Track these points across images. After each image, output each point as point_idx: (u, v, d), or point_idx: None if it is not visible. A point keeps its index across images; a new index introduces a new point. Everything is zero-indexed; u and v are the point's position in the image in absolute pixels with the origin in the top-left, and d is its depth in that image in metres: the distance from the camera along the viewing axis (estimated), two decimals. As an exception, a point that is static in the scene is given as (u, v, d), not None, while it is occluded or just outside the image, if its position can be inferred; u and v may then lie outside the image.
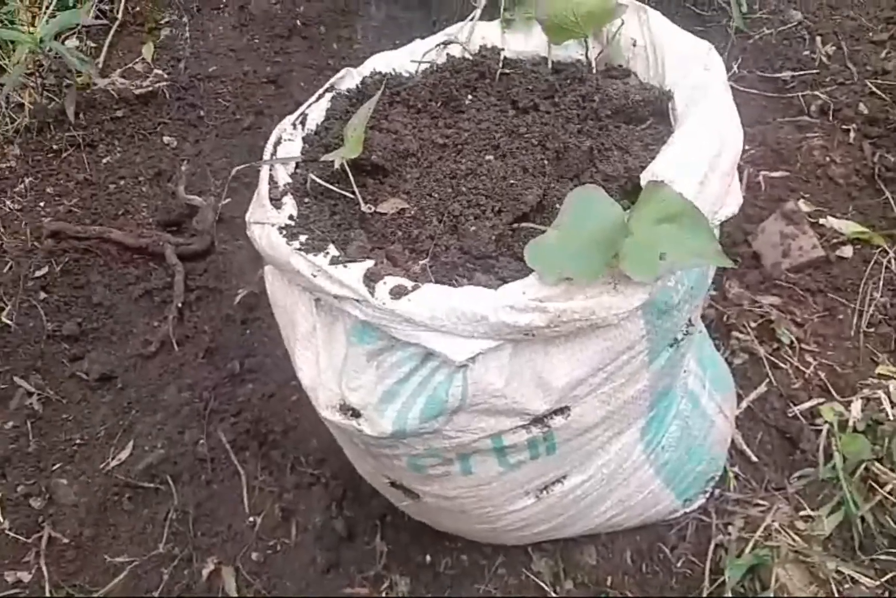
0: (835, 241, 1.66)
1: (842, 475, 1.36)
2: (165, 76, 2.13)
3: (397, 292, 0.84)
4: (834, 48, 1.95)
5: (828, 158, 1.77)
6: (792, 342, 1.55)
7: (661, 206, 0.83)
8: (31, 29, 1.97)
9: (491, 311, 0.82)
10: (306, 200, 0.99)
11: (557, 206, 0.90)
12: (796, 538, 1.31)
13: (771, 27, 2.02)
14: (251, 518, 1.51)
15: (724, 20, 2.01)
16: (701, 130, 0.92)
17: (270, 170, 1.04)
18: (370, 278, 0.86)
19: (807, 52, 1.96)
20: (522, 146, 0.99)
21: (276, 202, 0.98)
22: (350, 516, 1.47)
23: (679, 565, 1.35)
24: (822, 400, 1.48)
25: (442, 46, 1.16)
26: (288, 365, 1.00)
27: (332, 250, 0.90)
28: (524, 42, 1.14)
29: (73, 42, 2.17)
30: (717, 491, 1.40)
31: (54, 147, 2.08)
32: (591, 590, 1.34)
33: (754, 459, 1.44)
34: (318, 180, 0.98)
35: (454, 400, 0.88)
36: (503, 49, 1.13)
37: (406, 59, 1.16)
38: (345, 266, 0.88)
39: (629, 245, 0.81)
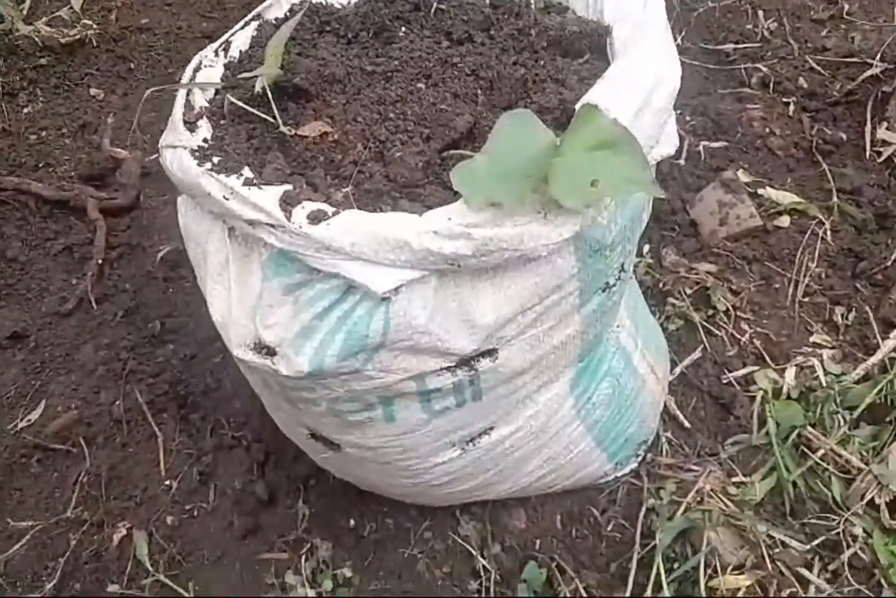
0: (772, 211, 1.65)
1: (774, 441, 1.35)
2: (94, 26, 2.02)
3: (315, 217, 0.79)
4: (776, 24, 1.95)
5: (767, 130, 1.76)
6: (727, 310, 1.54)
7: (595, 132, 0.78)
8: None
9: (414, 237, 0.77)
10: (222, 122, 0.93)
11: (489, 135, 0.86)
12: (728, 502, 1.30)
13: (715, 1, 2.00)
14: (167, 482, 1.44)
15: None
16: (637, 64, 0.89)
17: (188, 95, 0.97)
18: (287, 202, 0.80)
19: (749, 26, 1.95)
20: (455, 75, 0.94)
21: (190, 125, 0.92)
22: (272, 479, 1.41)
23: (609, 529, 1.33)
24: (756, 368, 1.48)
25: (377, -22, 1.10)
26: (211, 325, 0.91)
27: (247, 173, 0.84)
28: (462, -24, 1.09)
29: (-5, -13, 2.05)
30: (648, 456, 1.38)
31: (-30, 95, 1.97)
32: (520, 554, 1.31)
33: (687, 424, 1.42)
34: (236, 101, 0.92)
35: (375, 336, 0.83)
36: (440, -17, 1.08)
37: (338, -10, 1.10)
38: (259, 188, 0.82)
39: (559, 168, 0.76)
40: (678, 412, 1.43)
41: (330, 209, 0.80)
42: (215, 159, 0.86)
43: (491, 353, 0.91)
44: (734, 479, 1.33)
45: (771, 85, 1.84)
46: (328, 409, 0.94)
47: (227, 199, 0.83)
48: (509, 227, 0.78)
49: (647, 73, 0.88)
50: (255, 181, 0.83)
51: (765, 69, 1.86)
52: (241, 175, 0.83)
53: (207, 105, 0.96)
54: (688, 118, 1.79)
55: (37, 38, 1.99)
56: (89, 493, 1.44)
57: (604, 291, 0.97)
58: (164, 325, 1.64)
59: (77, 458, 1.49)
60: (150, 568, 1.34)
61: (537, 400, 1.06)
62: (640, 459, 1.36)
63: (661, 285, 1.57)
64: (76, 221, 1.80)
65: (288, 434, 1.17)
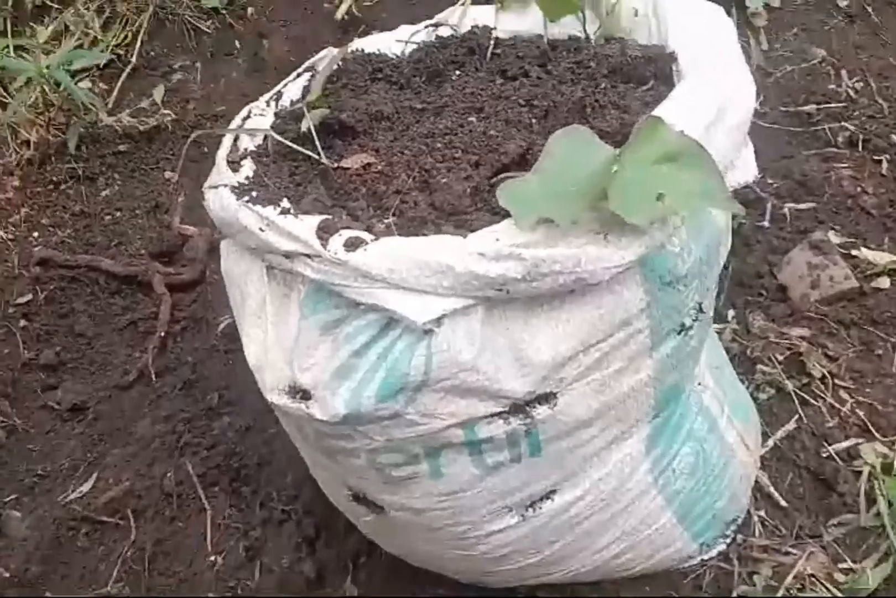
0: (869, 272, 1.52)
1: (887, 522, 1.19)
2: (173, 115, 2.11)
3: (352, 244, 0.73)
4: (861, 84, 1.87)
5: (858, 189, 1.65)
6: (824, 377, 1.39)
7: (660, 144, 0.71)
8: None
9: (458, 260, 0.70)
10: (265, 160, 0.90)
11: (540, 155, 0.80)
12: (835, 591, 1.12)
13: (793, 64, 1.94)
14: (212, 557, 1.35)
15: (745, 59, 1.95)
16: (706, 82, 0.83)
17: (235, 141, 0.95)
18: (324, 230, 0.75)
19: (832, 87, 1.87)
20: (508, 106, 0.89)
21: (233, 165, 0.90)
22: (321, 556, 1.30)
23: (696, 620, 1.16)
24: (860, 440, 1.31)
25: (432, 28, 1.09)
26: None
27: (285, 204, 0.79)
28: (518, 21, 1.06)
29: (85, 84, 2.16)
30: (739, 537, 1.22)
31: (54, 179, 2.05)
32: (593, 649, 1.15)
33: (783, 503, 1.26)
34: (280, 139, 0.89)
35: (417, 373, 0.75)
36: (495, 28, 1.05)
37: (392, 41, 1.09)
38: (296, 217, 0.77)
39: (619, 182, 0.69)
40: (772, 489, 1.27)
41: (368, 237, 0.74)
42: (254, 193, 0.82)
43: (549, 398, 0.82)
44: (841, 565, 1.16)
45: (860, 143, 1.74)
46: (368, 462, 0.85)
47: (262, 230, 0.79)
48: (564, 247, 0.71)
49: (717, 91, 0.82)
50: (291, 211, 0.78)
51: (852, 128, 1.76)
52: (279, 206, 0.79)
53: (254, 149, 0.94)
54: (770, 181, 1.70)
55: (118, 127, 2.08)
56: (132, 568, 1.36)
57: (679, 333, 0.87)
58: (221, 397, 1.59)
59: (125, 531, 1.42)
60: (189, 653, 1.23)
61: (607, 460, 0.94)
62: (729, 540, 1.20)
63: (749, 352, 1.44)
64: (143, 296, 1.81)
65: (330, 498, 1.08)
